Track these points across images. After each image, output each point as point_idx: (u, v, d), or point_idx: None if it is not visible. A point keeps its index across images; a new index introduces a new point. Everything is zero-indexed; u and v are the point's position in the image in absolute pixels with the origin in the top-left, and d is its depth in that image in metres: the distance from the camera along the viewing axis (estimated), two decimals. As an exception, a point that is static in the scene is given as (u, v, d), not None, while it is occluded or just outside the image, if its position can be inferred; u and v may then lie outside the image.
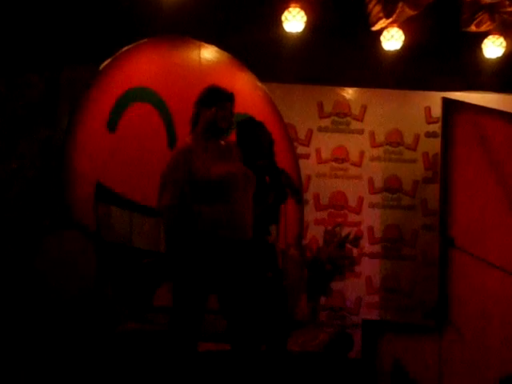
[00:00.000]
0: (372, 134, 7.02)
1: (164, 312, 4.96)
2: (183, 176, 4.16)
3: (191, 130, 4.40)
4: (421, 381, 5.82)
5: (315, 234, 6.64)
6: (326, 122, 6.97)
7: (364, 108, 7.02)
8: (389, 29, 6.63)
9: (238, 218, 4.21)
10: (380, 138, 7.03)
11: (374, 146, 7.01)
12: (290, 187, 4.99)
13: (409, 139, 7.05)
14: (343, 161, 6.97)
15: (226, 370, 4.33)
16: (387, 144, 7.03)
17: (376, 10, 6.46)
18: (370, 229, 6.93)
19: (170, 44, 6.14)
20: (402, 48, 6.69)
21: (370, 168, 6.99)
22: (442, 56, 6.88)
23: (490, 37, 6.74)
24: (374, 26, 6.57)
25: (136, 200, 5.71)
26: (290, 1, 6.43)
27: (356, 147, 7.00)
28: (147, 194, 5.54)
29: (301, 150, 6.83)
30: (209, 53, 6.24)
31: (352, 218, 6.90)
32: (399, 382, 5.79)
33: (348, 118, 7.01)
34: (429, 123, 7.03)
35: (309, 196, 6.79)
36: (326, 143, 6.96)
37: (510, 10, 6.50)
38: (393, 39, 6.66)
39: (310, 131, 6.94)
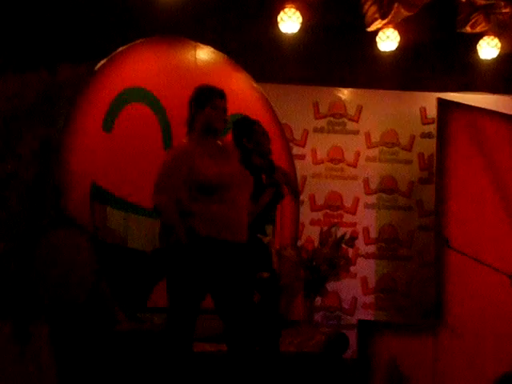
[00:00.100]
0: (368, 135, 7.02)
1: (159, 312, 4.97)
2: (180, 175, 4.16)
3: (188, 132, 4.40)
4: (416, 380, 5.82)
5: (311, 234, 6.64)
6: (321, 123, 6.98)
7: (360, 109, 7.02)
8: (384, 29, 6.64)
9: (234, 218, 4.21)
10: (376, 138, 7.03)
11: (370, 146, 7.02)
12: (287, 183, 5.00)
13: (404, 140, 7.06)
14: (339, 161, 6.97)
15: (222, 371, 4.33)
16: (383, 145, 7.03)
17: (371, 10, 6.47)
18: (366, 229, 6.93)
19: (165, 44, 6.13)
20: (397, 49, 6.70)
21: (366, 169, 6.99)
22: (438, 57, 6.89)
23: (486, 38, 6.76)
24: (369, 26, 6.58)
25: (132, 200, 5.71)
26: (285, 1, 6.44)
27: (352, 148, 7.00)
28: (143, 194, 5.54)
29: (296, 150, 6.83)
30: (204, 53, 6.24)
31: (348, 218, 6.90)
32: (395, 381, 5.80)
33: (344, 119, 7.01)
34: (424, 124, 7.05)
35: (304, 196, 6.79)
36: (321, 144, 6.96)
37: (505, 11, 6.52)
38: (388, 40, 6.67)
39: (306, 132, 6.94)
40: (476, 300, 6.10)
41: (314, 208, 6.89)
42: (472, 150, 6.42)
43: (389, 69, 6.82)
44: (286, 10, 6.44)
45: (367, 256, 6.89)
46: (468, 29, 6.62)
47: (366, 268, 6.87)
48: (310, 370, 5.34)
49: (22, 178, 5.74)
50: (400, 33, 6.63)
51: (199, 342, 4.70)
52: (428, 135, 6.95)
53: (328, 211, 6.92)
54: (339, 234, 6.16)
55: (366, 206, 6.97)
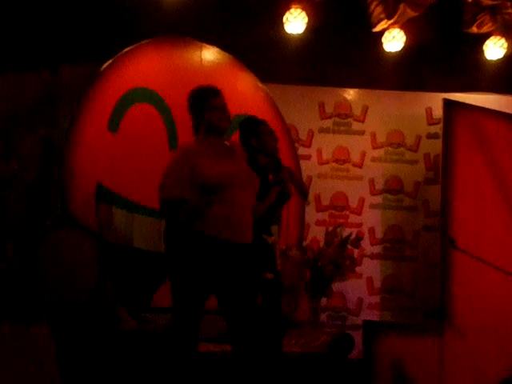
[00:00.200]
0: (373, 135, 7.01)
1: (163, 312, 4.97)
2: (182, 174, 4.16)
3: (194, 134, 4.41)
4: (421, 381, 5.81)
5: (316, 234, 6.64)
6: (327, 123, 6.97)
7: (365, 109, 7.01)
8: (390, 30, 6.64)
9: (236, 219, 4.21)
10: (381, 138, 7.02)
11: (376, 147, 7.01)
12: (295, 183, 4.99)
13: (410, 140, 7.05)
14: (344, 162, 6.97)
15: (226, 371, 4.33)
16: (388, 145, 7.02)
17: (377, 11, 6.47)
18: (371, 230, 6.92)
19: (171, 45, 6.13)
20: (403, 49, 6.69)
21: (371, 169, 6.98)
22: (444, 57, 6.88)
23: (492, 38, 6.75)
24: (375, 27, 6.58)
25: (136, 200, 5.72)
26: (291, 2, 6.44)
27: (357, 148, 6.99)
28: (148, 194, 5.55)
29: (302, 150, 6.83)
30: (210, 54, 6.24)
31: (353, 218, 6.90)
32: (400, 382, 5.79)
33: (349, 119, 7.01)
34: (430, 124, 7.03)
35: (310, 197, 6.75)
36: (327, 144, 6.96)
37: (511, 11, 6.50)
38: (394, 40, 6.67)
39: (311, 132, 6.93)
40: (481, 300, 6.08)
41: (320, 208, 6.89)
42: (478, 151, 6.41)
43: (394, 69, 6.82)
44: (292, 10, 6.45)
45: (372, 256, 6.88)
46: (474, 29, 6.61)
47: (371, 268, 6.86)
48: (315, 371, 5.34)
49: (23, 179, 5.75)
50: (406, 33, 6.63)
51: (204, 342, 4.70)
52: (434, 136, 6.94)
53: (333, 211, 6.91)
54: (344, 234, 6.15)
55: (372, 206, 6.96)
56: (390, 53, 6.73)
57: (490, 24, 6.59)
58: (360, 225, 6.88)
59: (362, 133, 7.01)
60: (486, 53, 6.80)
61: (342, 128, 6.99)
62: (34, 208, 5.71)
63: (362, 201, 6.95)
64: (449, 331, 6.01)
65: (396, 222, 6.97)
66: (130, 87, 5.86)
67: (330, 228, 6.27)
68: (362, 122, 7.01)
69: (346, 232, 6.22)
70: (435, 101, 6.81)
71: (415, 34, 6.65)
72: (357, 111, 7.01)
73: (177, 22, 6.07)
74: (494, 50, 6.77)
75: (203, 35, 6.21)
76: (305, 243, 6.43)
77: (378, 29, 6.59)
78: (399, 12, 6.39)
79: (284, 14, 6.46)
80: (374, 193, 6.97)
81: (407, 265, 6.92)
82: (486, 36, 6.72)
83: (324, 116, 6.96)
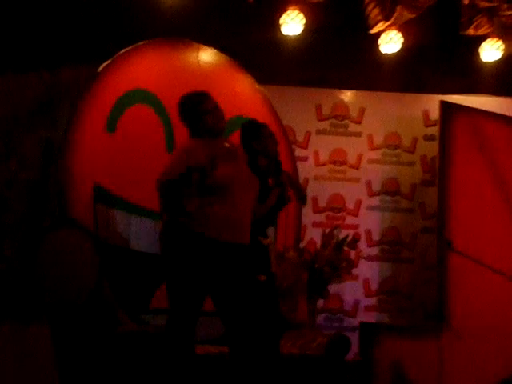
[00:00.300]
0: (370, 137, 7.02)
1: (162, 313, 4.96)
2: (186, 166, 4.12)
3: (191, 138, 4.41)
4: (420, 383, 5.82)
5: (313, 236, 6.64)
6: (324, 125, 6.97)
7: (362, 111, 7.02)
8: (387, 32, 6.63)
9: (235, 220, 4.21)
10: (378, 140, 7.03)
11: (373, 148, 7.01)
12: (293, 187, 5.00)
13: (407, 142, 7.05)
14: (341, 163, 6.97)
15: (223, 373, 4.33)
16: (385, 147, 7.03)
17: (374, 12, 6.46)
18: (368, 231, 6.92)
19: (168, 46, 6.13)
20: (400, 51, 6.69)
21: (369, 171, 6.99)
22: (441, 59, 6.89)
23: (489, 40, 6.75)
24: (372, 28, 6.58)
25: (134, 201, 5.71)
26: (288, 3, 6.43)
27: (354, 150, 6.99)
28: (145, 195, 5.55)
29: (299, 152, 6.82)
30: (207, 55, 6.24)
31: (350, 220, 6.90)
32: (398, 384, 5.80)
33: (346, 121, 7.01)
34: (427, 126, 7.04)
35: (307, 196, 6.77)
36: (324, 146, 6.96)
37: (508, 13, 6.51)
38: (391, 42, 6.66)
39: (309, 134, 6.94)
40: (478, 302, 6.10)
41: (317, 210, 6.89)
42: (475, 153, 6.43)
43: (392, 71, 6.82)
44: (289, 11, 6.44)
45: (369, 258, 6.88)
46: (471, 31, 6.61)
47: (368, 270, 6.86)
48: (312, 373, 5.34)
49: (23, 179, 5.74)
50: (403, 35, 6.63)
51: (201, 344, 4.70)
52: (431, 137, 6.95)
53: (330, 213, 6.91)
54: (341, 236, 6.15)
55: (369, 208, 6.96)
56: (387, 55, 6.72)
57: (486, 26, 6.60)
58: (357, 226, 6.88)
59: (359, 134, 7.01)
60: (482, 55, 6.79)
61: (339, 130, 6.99)
62: (34, 208, 5.70)
63: (358, 202, 6.95)
64: (447, 333, 6.02)
65: (393, 223, 6.97)
66: (128, 88, 5.85)
67: (327, 230, 6.27)
68: (359, 123, 7.02)
69: (342, 234, 6.22)
70: (432, 102, 6.82)
71: (412, 36, 6.65)
72: (354, 113, 7.02)
73: (174, 23, 6.07)
74: (490, 52, 6.77)
75: (201, 37, 6.20)
76: (302, 245, 6.43)
77: (375, 30, 6.59)
78: (396, 14, 6.39)
79: (281, 15, 6.46)
80: (371, 194, 6.97)
81: (404, 267, 6.93)
82: (484, 38, 6.72)
83: (321, 118, 6.97)
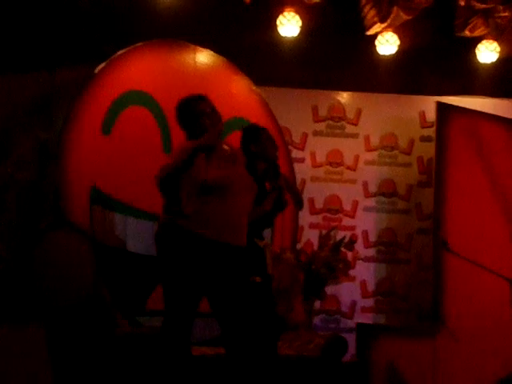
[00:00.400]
0: (367, 138, 7.03)
1: (158, 315, 4.96)
2: (185, 159, 4.13)
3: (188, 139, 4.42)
4: (416, 383, 5.83)
5: (310, 237, 6.65)
6: (320, 126, 6.98)
7: (359, 112, 7.03)
8: (384, 33, 6.65)
9: (233, 222, 4.21)
10: (375, 142, 7.03)
11: (369, 149, 7.02)
12: (291, 191, 5.01)
13: (403, 143, 7.06)
14: (338, 165, 6.98)
15: (220, 375, 4.33)
16: (382, 148, 7.03)
17: (371, 14, 6.48)
18: (365, 233, 6.93)
19: (165, 48, 6.13)
20: (396, 52, 6.71)
21: (365, 172, 6.99)
22: (437, 60, 6.90)
23: (484, 42, 6.76)
24: (368, 30, 6.59)
25: (130, 203, 5.71)
26: (285, 5, 6.44)
27: (351, 151, 7.00)
28: (142, 197, 5.56)
29: (296, 153, 6.83)
30: (204, 57, 6.25)
31: (347, 221, 6.90)
32: (394, 384, 5.81)
33: (343, 122, 7.02)
34: (423, 127, 7.05)
35: (303, 200, 6.77)
36: (320, 147, 6.97)
37: (503, 15, 6.52)
38: (388, 43, 6.68)
39: (305, 135, 6.94)
40: (474, 303, 6.11)
41: (313, 211, 6.89)
42: (471, 154, 6.44)
43: (388, 72, 6.83)
44: (286, 13, 6.45)
45: (366, 259, 6.89)
46: (467, 33, 6.62)
47: (364, 271, 6.87)
48: (309, 374, 5.34)
49: (19, 180, 5.74)
50: (399, 36, 6.64)
51: (197, 345, 4.70)
52: (427, 139, 6.95)
53: (327, 214, 6.92)
54: (338, 237, 6.17)
55: (365, 209, 6.97)
56: (384, 56, 6.74)
57: (482, 28, 6.61)
58: (353, 228, 6.89)
59: (355, 136, 7.02)
60: (478, 56, 6.80)
61: (335, 131, 7.00)
62: (31, 209, 5.70)
63: (355, 204, 6.96)
64: (442, 333, 6.03)
65: (389, 224, 6.98)
66: (124, 90, 5.86)
67: (324, 231, 6.29)
68: (356, 125, 7.03)
69: (339, 235, 6.24)
70: (428, 104, 6.83)
71: (409, 38, 6.66)
72: (350, 114, 7.02)
73: (171, 24, 6.08)
74: (486, 53, 6.78)
75: (197, 38, 6.21)
76: (298, 246, 6.43)
77: (371, 32, 6.60)
78: (392, 15, 6.40)
79: (277, 17, 6.47)
80: (367, 196, 6.98)
81: (400, 268, 6.93)
82: (480, 39, 6.73)
83: (318, 119, 6.97)
